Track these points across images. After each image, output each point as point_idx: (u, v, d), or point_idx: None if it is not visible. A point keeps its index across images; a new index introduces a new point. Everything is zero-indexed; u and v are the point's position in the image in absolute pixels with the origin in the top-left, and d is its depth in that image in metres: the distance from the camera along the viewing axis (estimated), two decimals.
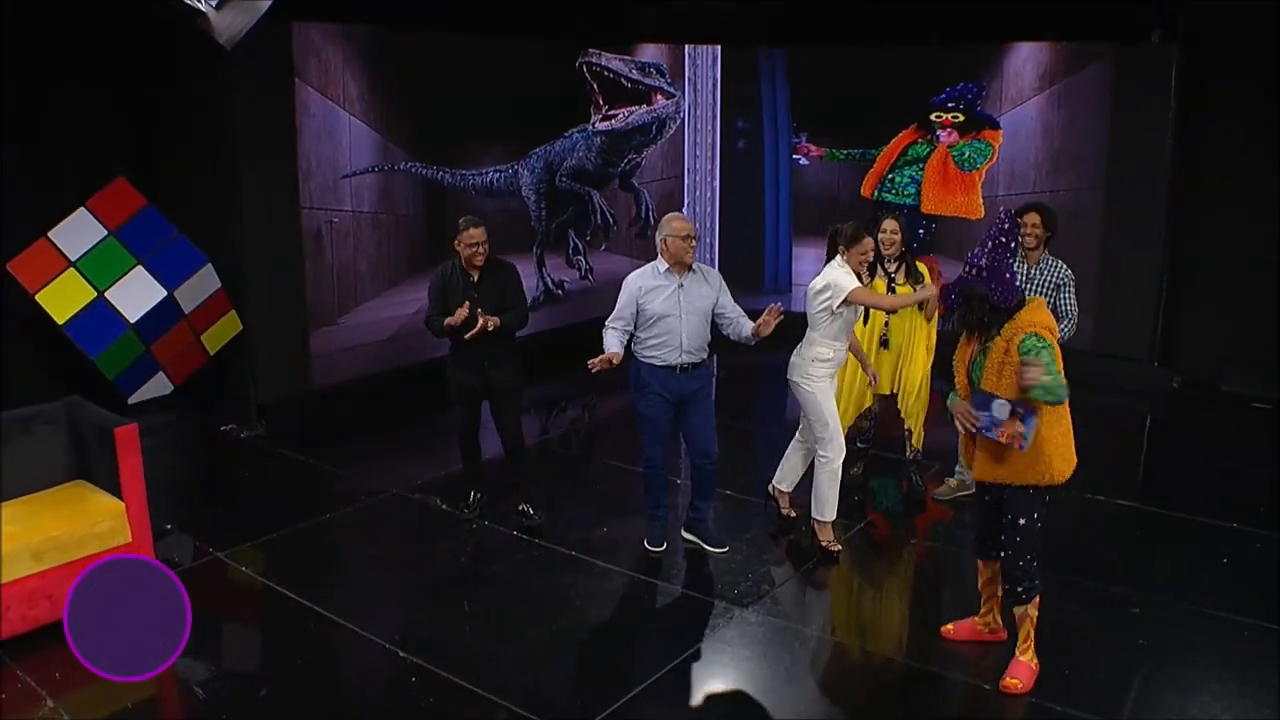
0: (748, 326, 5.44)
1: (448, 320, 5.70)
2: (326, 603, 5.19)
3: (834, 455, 5.67)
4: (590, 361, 5.30)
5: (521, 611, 5.19)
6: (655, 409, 5.55)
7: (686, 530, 5.94)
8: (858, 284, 5.48)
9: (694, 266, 5.51)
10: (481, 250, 5.79)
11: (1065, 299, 5.99)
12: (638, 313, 5.46)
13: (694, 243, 5.46)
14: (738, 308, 5.59)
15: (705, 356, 5.58)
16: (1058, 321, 6.03)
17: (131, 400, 7.18)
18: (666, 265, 5.46)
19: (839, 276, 5.47)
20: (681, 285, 5.45)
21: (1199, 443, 7.81)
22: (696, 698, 4.52)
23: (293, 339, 7.93)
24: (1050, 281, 5.98)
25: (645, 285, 5.46)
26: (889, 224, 6.09)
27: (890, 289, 6.08)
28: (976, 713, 4.38)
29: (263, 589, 5.47)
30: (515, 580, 5.56)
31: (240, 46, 6.69)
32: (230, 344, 7.61)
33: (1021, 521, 4.29)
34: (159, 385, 7.32)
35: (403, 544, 6.12)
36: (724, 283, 5.65)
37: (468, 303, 5.69)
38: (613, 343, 5.44)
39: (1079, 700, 4.33)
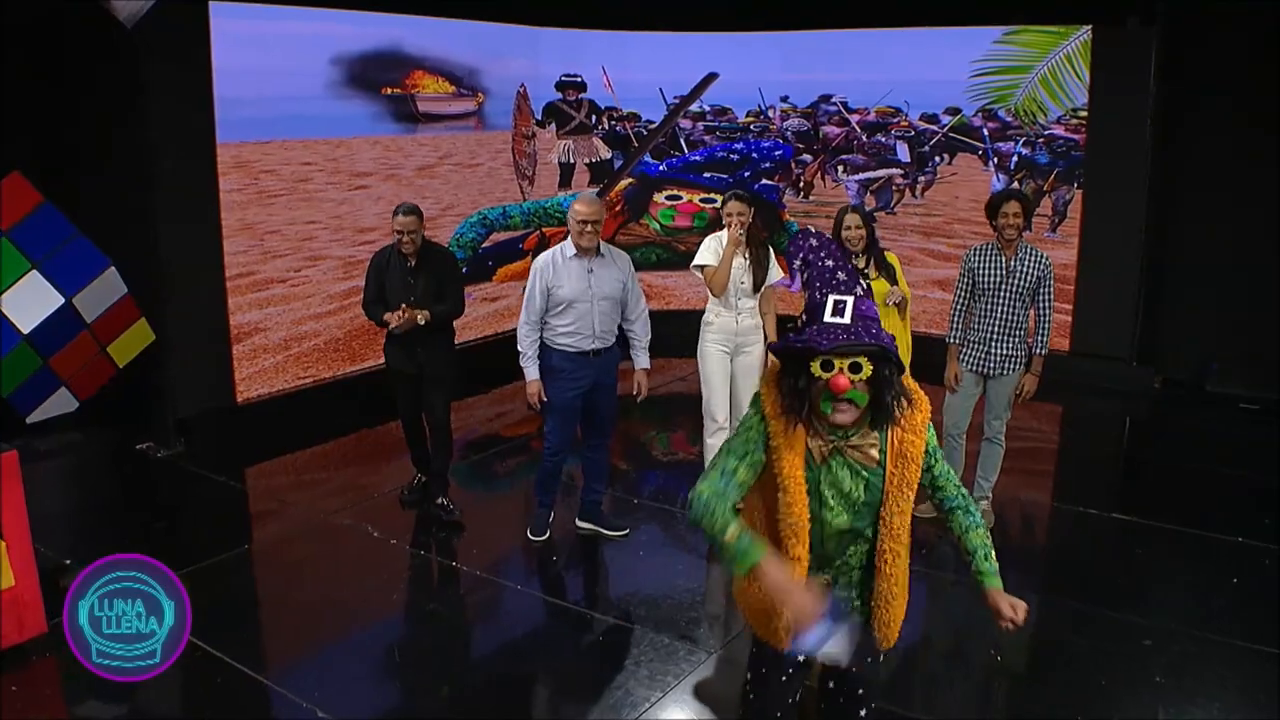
0: (639, 358, 5.56)
1: (386, 316, 5.66)
2: (239, 652, 4.55)
3: (709, 430, 5.72)
4: (530, 402, 5.44)
5: (460, 659, 4.62)
6: (567, 396, 5.43)
7: (582, 519, 5.86)
8: (706, 258, 5.65)
9: (602, 249, 5.40)
10: (409, 239, 5.63)
11: (1046, 294, 5.58)
12: (548, 298, 5.32)
13: (592, 228, 5.27)
14: (642, 303, 5.57)
15: (614, 340, 5.52)
16: (1038, 324, 5.59)
17: (31, 419, 6.51)
18: (574, 250, 5.33)
19: (703, 245, 5.73)
20: (591, 270, 5.34)
21: (1191, 447, 7.35)
22: None
23: (214, 348, 7.24)
24: (1033, 273, 5.53)
25: (554, 270, 5.33)
26: (850, 219, 5.70)
27: (865, 285, 5.58)
28: None
29: None
30: (453, 620, 4.98)
31: (142, 25, 6.11)
32: (144, 355, 6.92)
33: (871, 661, 3.02)
34: (62, 402, 6.64)
35: (329, 579, 5.49)
36: (633, 270, 5.57)
37: (404, 307, 5.62)
38: (532, 370, 5.40)
39: None
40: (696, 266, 5.71)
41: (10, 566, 4.45)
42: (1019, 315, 5.55)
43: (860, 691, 2.96)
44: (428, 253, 5.75)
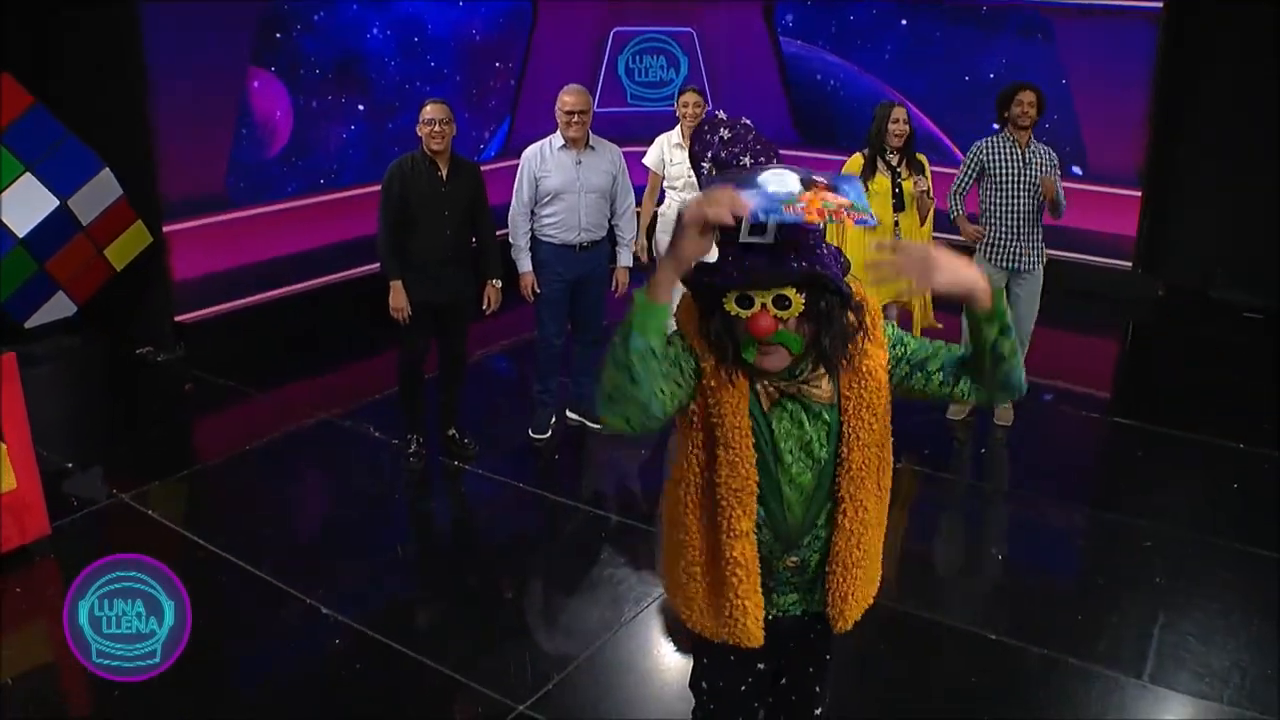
0: (622, 255, 5.57)
1: (395, 310, 5.04)
2: (241, 551, 4.57)
3: None
4: (524, 294, 5.39)
5: (463, 558, 4.66)
6: (554, 289, 5.42)
7: (571, 409, 5.85)
8: (653, 155, 5.97)
9: (591, 142, 5.35)
10: (438, 130, 4.90)
11: (1058, 184, 5.50)
12: (536, 188, 5.30)
13: (579, 118, 5.21)
14: (630, 199, 5.50)
15: (604, 235, 5.48)
16: (1055, 206, 5.47)
17: (29, 324, 6.44)
18: (562, 141, 5.28)
19: (655, 143, 5.99)
20: (580, 161, 5.30)
21: (1193, 355, 7.32)
22: (665, 650, 3.97)
23: (214, 250, 7.15)
24: (1047, 165, 5.47)
25: (541, 159, 5.30)
26: (898, 112, 5.63)
27: (895, 183, 5.61)
28: (986, 665, 3.87)
29: (169, 536, 4.79)
30: (455, 520, 5.04)
31: None
32: (142, 258, 6.83)
33: (830, 656, 2.56)
34: (60, 306, 6.56)
35: (331, 479, 5.53)
36: (624, 163, 5.51)
37: (492, 284, 5.25)
38: (524, 261, 5.36)
39: (1096, 651, 3.88)
40: (647, 165, 6.00)
41: (12, 468, 4.44)
42: (1037, 207, 5.49)
43: (817, 689, 2.56)
44: (457, 165, 5.07)
